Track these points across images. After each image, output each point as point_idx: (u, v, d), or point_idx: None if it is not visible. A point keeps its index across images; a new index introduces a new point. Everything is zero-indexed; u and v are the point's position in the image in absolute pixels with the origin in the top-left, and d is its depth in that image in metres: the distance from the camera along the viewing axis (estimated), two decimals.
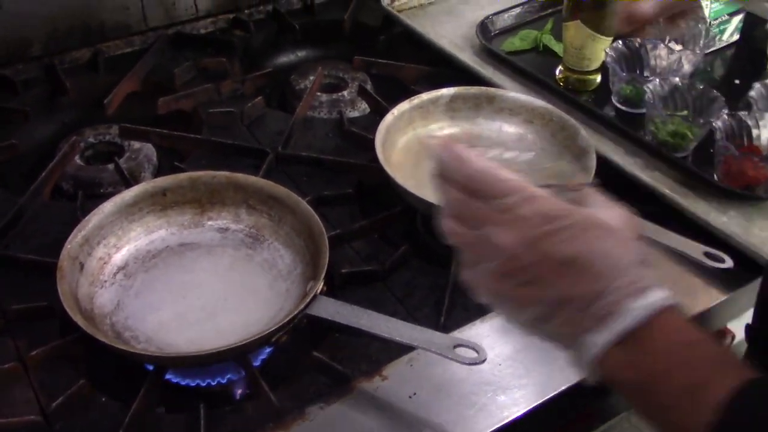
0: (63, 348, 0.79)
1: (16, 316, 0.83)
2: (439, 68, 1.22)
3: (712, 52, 1.24)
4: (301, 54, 1.37)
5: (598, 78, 1.15)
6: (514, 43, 1.23)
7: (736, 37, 1.27)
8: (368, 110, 1.19)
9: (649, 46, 1.12)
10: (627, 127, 1.05)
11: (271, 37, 1.36)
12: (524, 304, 0.55)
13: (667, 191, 0.97)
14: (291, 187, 0.92)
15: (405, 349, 0.79)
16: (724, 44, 1.26)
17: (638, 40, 1.12)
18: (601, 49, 1.10)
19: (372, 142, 0.96)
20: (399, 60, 1.24)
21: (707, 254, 0.83)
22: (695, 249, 0.84)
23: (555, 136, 1.02)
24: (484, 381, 0.77)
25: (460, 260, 0.59)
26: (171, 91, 1.18)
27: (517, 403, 0.75)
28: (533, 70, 1.16)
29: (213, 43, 1.30)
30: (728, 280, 0.87)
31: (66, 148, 1.05)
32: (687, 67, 1.11)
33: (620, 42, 1.11)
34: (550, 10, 1.31)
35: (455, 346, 0.70)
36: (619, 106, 1.12)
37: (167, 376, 0.79)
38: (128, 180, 1.01)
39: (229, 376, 0.79)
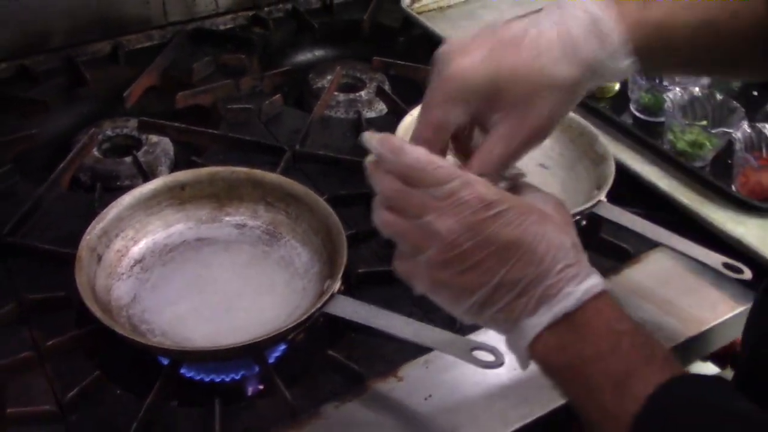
0: (79, 339, 0.79)
1: (33, 305, 0.83)
2: None
3: None
4: (319, 53, 1.37)
5: (617, 85, 1.15)
6: None
7: None
8: (385, 111, 1.19)
9: None
10: (645, 135, 1.05)
11: (290, 35, 1.36)
12: (465, 291, 0.55)
13: (684, 200, 0.96)
14: (307, 185, 0.92)
15: (421, 350, 0.79)
16: None
17: None
18: None
19: None
20: (417, 62, 1.24)
21: (726, 265, 0.83)
22: (714, 259, 0.84)
23: (573, 142, 1.02)
24: (500, 385, 0.77)
25: (396, 252, 0.58)
26: (189, 86, 1.18)
27: (533, 408, 0.75)
28: None
29: (232, 39, 1.30)
30: (746, 292, 0.87)
31: (85, 140, 1.05)
32: (706, 77, 1.11)
33: None
34: None
35: (473, 349, 0.70)
36: (637, 114, 1.12)
37: (181, 371, 0.79)
38: (146, 173, 1.01)
39: (243, 372, 0.79)
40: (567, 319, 0.53)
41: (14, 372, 0.76)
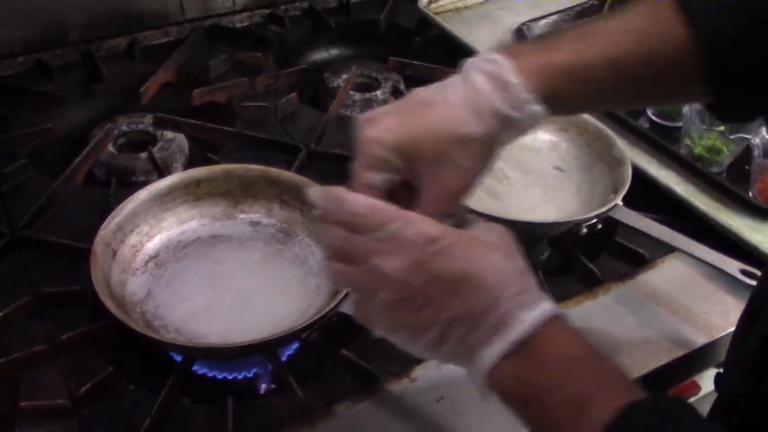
0: (93, 334, 0.79)
1: (48, 299, 0.83)
2: None
3: None
4: (335, 52, 1.37)
5: None
6: None
7: None
8: None
9: None
10: (662, 140, 1.04)
11: (306, 34, 1.36)
12: (420, 329, 0.54)
13: (701, 206, 0.96)
14: (322, 184, 0.92)
15: None
16: None
17: None
18: None
19: None
20: (433, 62, 1.24)
21: (744, 272, 0.82)
22: (731, 266, 0.83)
23: (590, 146, 1.01)
24: None
25: (352, 299, 0.59)
26: (205, 83, 1.18)
27: None
28: None
29: (248, 37, 1.30)
30: None
31: (100, 135, 1.05)
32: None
33: None
34: (586, 18, 1.30)
35: None
36: (654, 118, 1.11)
37: (194, 368, 0.79)
38: (161, 169, 1.02)
39: (256, 370, 0.79)
40: (522, 347, 0.52)
41: (28, 365, 0.76)
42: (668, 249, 0.91)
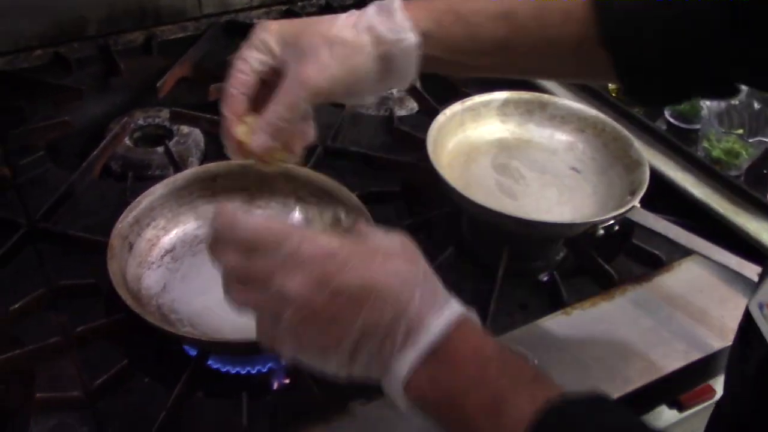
0: (108, 327, 0.80)
1: (63, 291, 0.83)
2: None
3: None
4: None
5: None
6: None
7: None
8: (416, 109, 1.19)
9: None
10: (679, 142, 1.04)
11: None
12: (330, 346, 0.53)
13: (719, 209, 0.95)
14: (338, 181, 0.92)
15: None
16: None
17: None
18: None
19: (420, 141, 0.96)
20: None
21: None
22: (749, 269, 0.82)
23: (607, 147, 1.01)
24: None
25: (257, 323, 0.57)
26: (222, 78, 1.17)
27: None
28: None
29: None
30: None
31: (117, 129, 1.06)
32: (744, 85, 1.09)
33: None
34: None
35: None
36: (671, 120, 1.11)
37: (208, 362, 0.79)
38: (177, 164, 1.02)
39: (270, 365, 0.79)
40: (435, 352, 0.51)
41: (43, 358, 0.76)
42: (685, 252, 0.91)
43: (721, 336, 0.83)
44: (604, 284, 0.89)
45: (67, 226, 0.91)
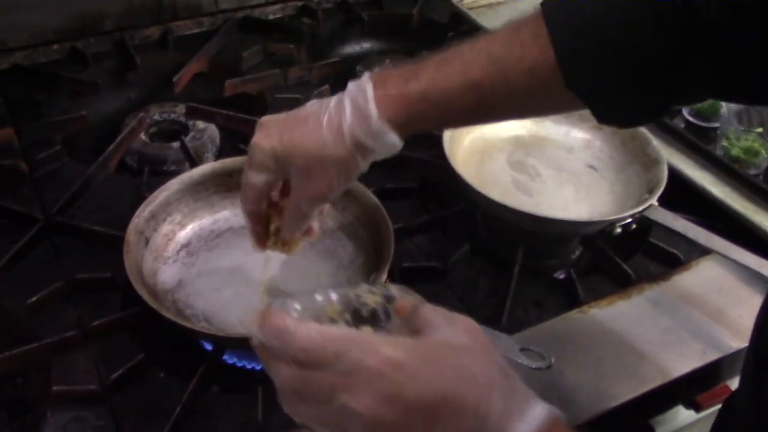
0: (124, 321, 0.80)
1: (79, 285, 0.84)
2: None
3: None
4: (366, 46, 1.36)
5: None
6: None
7: None
8: None
9: None
10: (698, 140, 1.03)
11: (338, 27, 1.36)
12: None
13: (738, 208, 0.94)
14: None
15: None
16: None
17: None
18: None
19: (437, 138, 0.95)
20: None
21: None
22: None
23: (624, 145, 1.00)
24: (542, 387, 0.75)
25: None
26: (237, 74, 1.18)
27: (580, 411, 0.73)
28: None
29: (281, 29, 1.30)
30: None
31: (133, 124, 1.06)
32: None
33: None
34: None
35: (521, 349, 0.69)
36: (690, 118, 1.10)
37: (224, 357, 0.79)
38: (193, 159, 1.02)
39: None
40: None
41: (60, 351, 0.77)
42: (703, 251, 0.90)
43: (739, 336, 0.82)
44: (621, 283, 0.88)
45: (84, 220, 0.92)
